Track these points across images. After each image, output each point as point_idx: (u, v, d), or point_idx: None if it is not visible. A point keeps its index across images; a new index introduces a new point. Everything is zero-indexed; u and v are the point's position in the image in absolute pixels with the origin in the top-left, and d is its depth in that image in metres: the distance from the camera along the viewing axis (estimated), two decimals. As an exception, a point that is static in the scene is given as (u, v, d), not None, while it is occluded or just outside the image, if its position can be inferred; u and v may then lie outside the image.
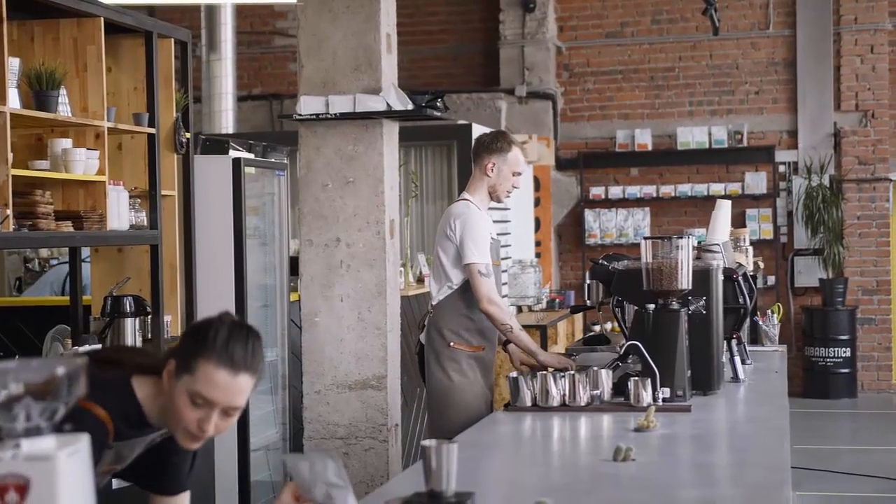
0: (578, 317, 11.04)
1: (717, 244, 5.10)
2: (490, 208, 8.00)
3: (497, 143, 5.27)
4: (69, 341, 5.43)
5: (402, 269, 7.98)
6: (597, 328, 12.17)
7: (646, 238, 4.43)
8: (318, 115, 5.81)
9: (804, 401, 12.00)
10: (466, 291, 5.14)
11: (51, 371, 1.75)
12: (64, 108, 4.91)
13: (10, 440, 1.74)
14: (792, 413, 10.09)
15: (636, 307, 4.50)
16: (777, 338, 6.39)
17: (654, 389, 4.21)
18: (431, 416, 5.30)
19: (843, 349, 12.09)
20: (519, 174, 5.30)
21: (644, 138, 12.73)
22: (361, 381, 5.83)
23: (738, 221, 12.22)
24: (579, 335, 10.72)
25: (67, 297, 5.76)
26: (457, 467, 2.72)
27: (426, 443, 2.74)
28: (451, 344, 5.16)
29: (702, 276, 4.51)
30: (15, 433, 1.75)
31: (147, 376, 2.67)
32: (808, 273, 12.44)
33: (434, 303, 5.26)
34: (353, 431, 5.71)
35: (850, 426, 11.23)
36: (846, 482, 8.43)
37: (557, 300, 10.89)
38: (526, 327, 9.10)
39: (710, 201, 12.39)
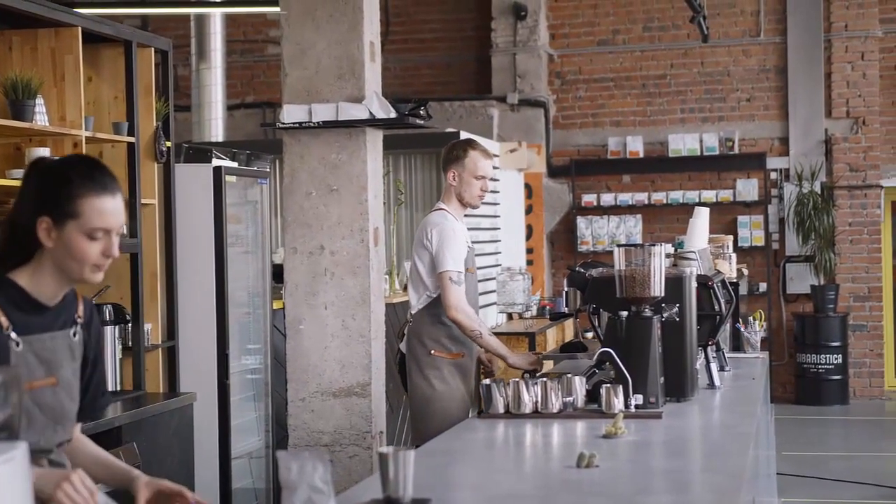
0: (569, 324, 11.04)
1: (693, 251, 5.12)
2: (477, 215, 8.03)
3: (453, 151, 5.42)
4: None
5: (387, 276, 8.00)
6: (589, 335, 12.18)
7: (619, 245, 4.45)
8: (301, 123, 5.83)
9: (796, 407, 12.01)
10: None
11: (-16, 379, 1.77)
12: (41, 118, 4.93)
13: (-56, 448, 1.76)
14: (783, 420, 10.17)
15: (610, 314, 4.52)
16: (759, 345, 6.40)
17: (627, 396, 4.23)
18: (414, 424, 5.34)
19: (835, 356, 12.10)
20: (482, 178, 5.38)
21: (636, 145, 12.75)
22: (346, 389, 5.84)
23: (730, 228, 12.24)
24: (570, 342, 10.71)
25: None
26: (413, 474, 2.74)
27: (382, 450, 2.77)
28: (432, 352, 5.26)
29: (675, 284, 4.52)
30: (-51, 440, 1.76)
31: (19, 269, 2.71)
32: (800, 280, 12.45)
33: (413, 311, 5.36)
34: (338, 439, 5.71)
35: (841, 433, 11.23)
36: (835, 488, 8.43)
37: (548, 307, 10.89)
38: (514, 334, 9.17)
39: (701, 208, 12.38)
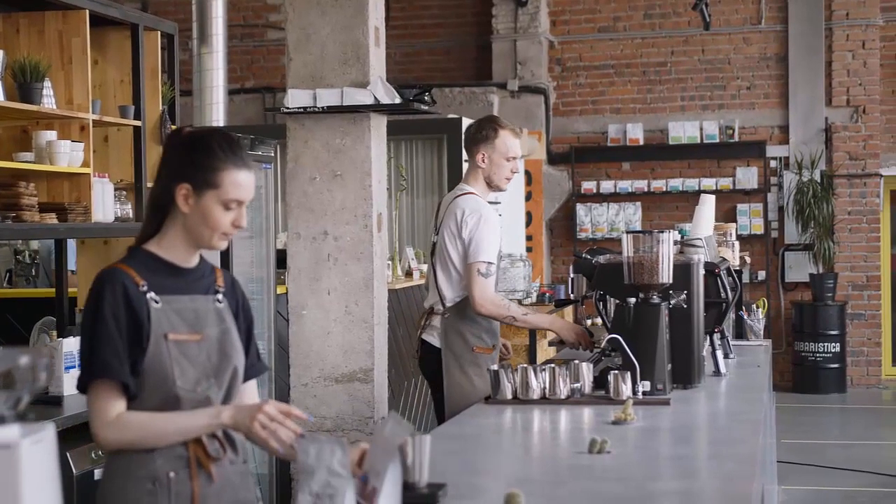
0: (569, 311, 11.06)
1: (700, 238, 5.12)
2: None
3: (482, 131, 5.15)
4: (55, 333, 5.44)
5: (389, 262, 8.00)
6: (588, 322, 12.19)
7: (627, 232, 4.44)
8: (305, 108, 5.82)
9: (793, 395, 12.04)
10: None
11: (14, 360, 1.77)
12: (48, 101, 4.92)
13: (-26, 428, 1.76)
14: (781, 408, 10.18)
15: (617, 301, 4.52)
16: (762, 332, 6.41)
17: (635, 383, 4.23)
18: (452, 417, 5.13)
19: (833, 344, 12.13)
20: (513, 158, 5.15)
21: (636, 133, 12.75)
22: (348, 374, 5.85)
23: (730, 216, 12.25)
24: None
25: (53, 290, 5.76)
26: (429, 458, 2.75)
27: (399, 434, 2.76)
28: (474, 349, 5.04)
29: (683, 271, 4.52)
30: (-22, 421, 1.76)
31: (148, 241, 2.87)
32: (799, 268, 12.47)
33: (448, 304, 5.09)
34: (340, 424, 5.72)
35: (838, 421, 11.27)
36: (833, 476, 8.46)
37: (548, 294, 10.91)
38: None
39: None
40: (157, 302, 2.79)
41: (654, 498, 2.86)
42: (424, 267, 8.30)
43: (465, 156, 9.87)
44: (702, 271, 4.67)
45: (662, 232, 4.41)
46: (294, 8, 5.97)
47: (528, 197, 12.35)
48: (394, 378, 6.72)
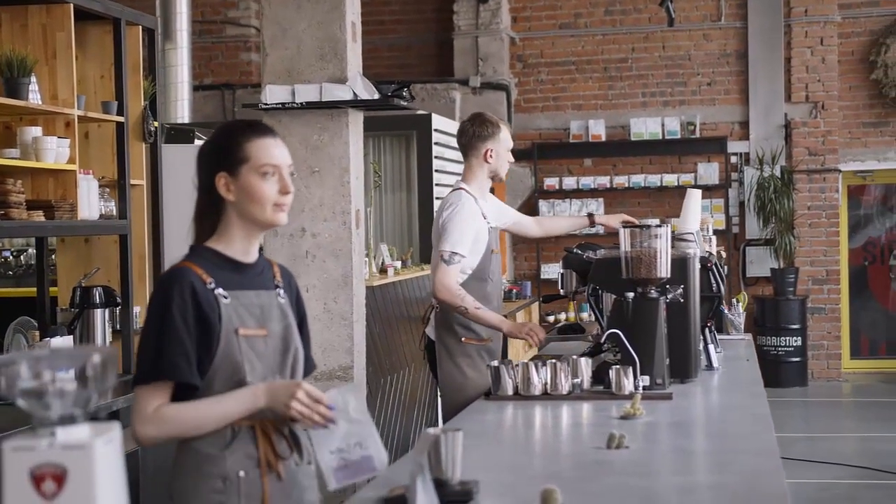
0: (535, 307, 11.08)
1: (691, 233, 5.13)
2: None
3: (486, 128, 5.24)
4: (36, 333, 5.34)
5: (366, 259, 7.95)
6: (550, 319, 12.22)
7: (625, 226, 4.44)
8: (283, 104, 5.77)
9: (756, 389, 12.12)
10: (472, 284, 5.08)
11: (87, 359, 1.73)
12: (34, 96, 4.83)
13: (45, 429, 1.72)
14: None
15: (615, 296, 4.51)
16: (742, 326, 6.45)
17: (635, 377, 4.23)
18: (447, 410, 5.16)
19: (794, 338, 12.24)
20: (510, 148, 5.34)
21: (598, 129, 12.78)
22: (328, 372, 5.83)
23: (691, 212, 12.30)
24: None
25: (34, 289, 5.66)
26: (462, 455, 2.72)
27: (431, 431, 2.73)
28: (463, 339, 5.12)
29: (679, 265, 4.52)
30: (49, 421, 1.72)
31: (208, 240, 2.86)
32: (760, 263, 12.57)
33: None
34: (319, 422, 5.68)
35: (801, 414, 11.37)
36: (800, 469, 8.53)
37: (514, 291, 10.94)
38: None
39: (662, 192, 12.51)
40: (225, 297, 2.79)
41: (689, 492, 2.85)
42: (399, 264, 8.28)
43: (436, 151, 9.82)
44: (697, 265, 4.68)
45: (660, 226, 4.41)
46: (270, 2, 5.92)
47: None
48: (371, 375, 6.69)
